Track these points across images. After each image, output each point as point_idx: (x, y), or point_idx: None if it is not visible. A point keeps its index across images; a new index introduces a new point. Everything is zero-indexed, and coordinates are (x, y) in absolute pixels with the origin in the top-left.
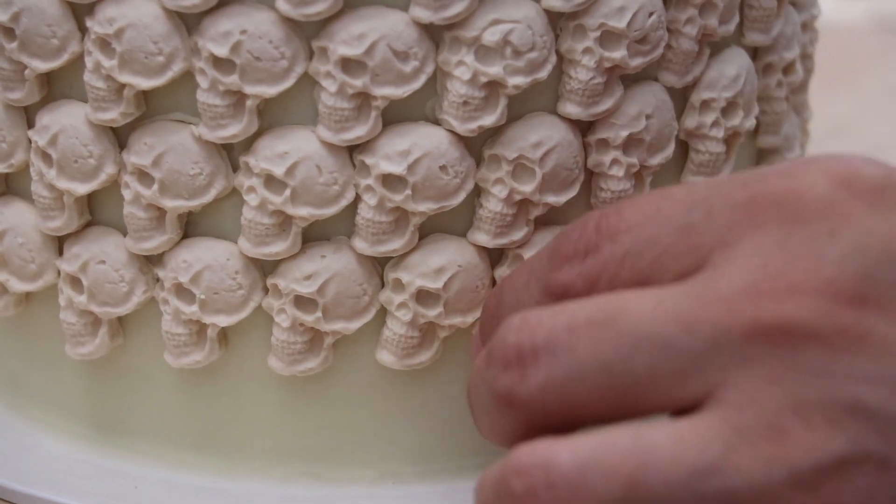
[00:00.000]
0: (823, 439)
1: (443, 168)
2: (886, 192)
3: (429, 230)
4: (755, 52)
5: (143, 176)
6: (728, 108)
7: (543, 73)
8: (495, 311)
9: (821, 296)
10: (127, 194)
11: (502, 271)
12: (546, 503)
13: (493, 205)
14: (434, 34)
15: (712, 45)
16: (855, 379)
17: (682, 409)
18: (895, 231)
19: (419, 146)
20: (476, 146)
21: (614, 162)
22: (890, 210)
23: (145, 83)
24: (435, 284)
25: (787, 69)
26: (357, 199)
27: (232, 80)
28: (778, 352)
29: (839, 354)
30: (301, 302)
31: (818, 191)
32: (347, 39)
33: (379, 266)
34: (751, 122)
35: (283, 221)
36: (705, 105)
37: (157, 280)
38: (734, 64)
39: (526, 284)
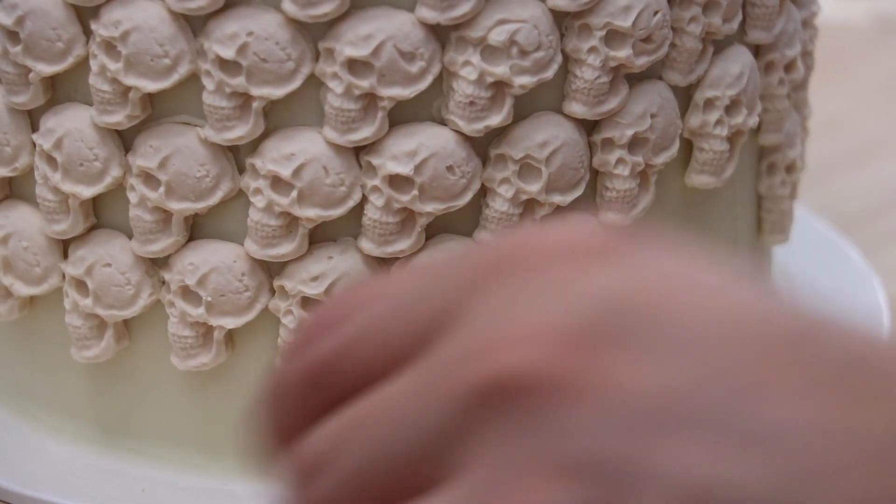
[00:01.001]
0: (540, 499)
1: (449, 168)
2: (609, 251)
3: (435, 231)
4: (757, 50)
5: (149, 178)
6: (731, 107)
7: (549, 73)
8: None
9: (542, 343)
10: (133, 197)
11: None
12: None
13: (499, 205)
14: (440, 34)
15: (716, 44)
16: (580, 430)
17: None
18: (625, 283)
19: (426, 146)
20: (482, 146)
21: (620, 161)
22: (616, 265)
23: (151, 86)
24: None
25: (789, 67)
26: (364, 199)
27: (238, 81)
28: (502, 411)
29: (563, 403)
30: (308, 303)
31: (549, 246)
32: (354, 40)
33: (386, 267)
34: (754, 120)
35: (290, 223)
36: (709, 103)
37: (164, 282)
38: (738, 62)
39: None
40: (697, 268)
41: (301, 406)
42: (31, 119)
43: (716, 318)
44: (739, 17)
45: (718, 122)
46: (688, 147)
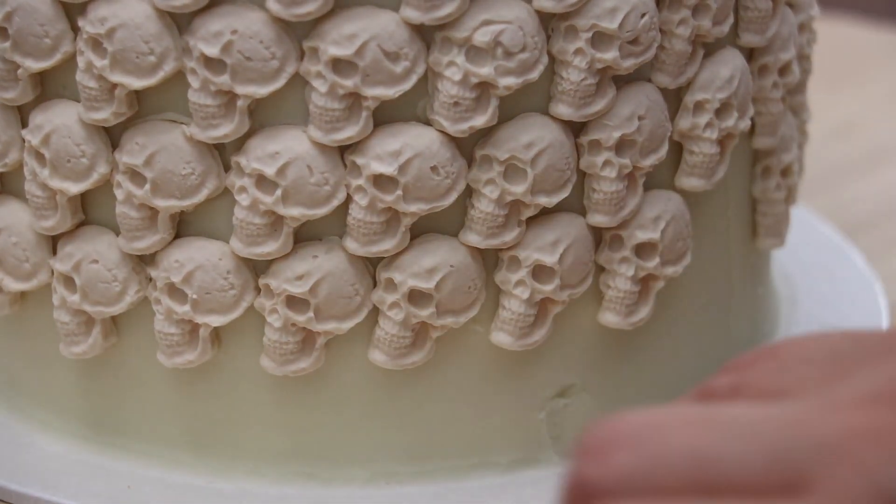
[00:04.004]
0: None
1: (434, 168)
2: None
3: (420, 230)
4: (750, 53)
5: (136, 175)
6: (722, 110)
7: (535, 74)
8: None
9: None
10: (119, 194)
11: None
12: None
13: (484, 205)
14: (425, 34)
15: (706, 46)
16: None
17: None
18: None
19: (410, 147)
20: (467, 147)
21: (607, 163)
22: None
23: (137, 83)
24: (427, 284)
25: (783, 70)
26: (348, 199)
27: (223, 80)
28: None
29: None
30: (293, 302)
31: None
32: (338, 40)
33: (371, 266)
34: (745, 124)
35: (275, 221)
36: (699, 106)
37: (150, 280)
38: (728, 65)
39: None
40: None
41: None
42: (21, 115)
43: None
44: (731, 20)
45: (708, 125)
46: (678, 150)
